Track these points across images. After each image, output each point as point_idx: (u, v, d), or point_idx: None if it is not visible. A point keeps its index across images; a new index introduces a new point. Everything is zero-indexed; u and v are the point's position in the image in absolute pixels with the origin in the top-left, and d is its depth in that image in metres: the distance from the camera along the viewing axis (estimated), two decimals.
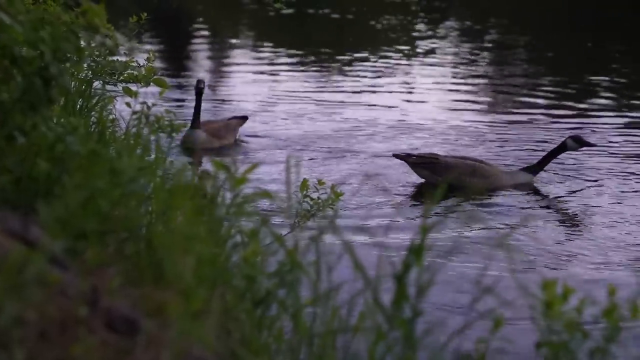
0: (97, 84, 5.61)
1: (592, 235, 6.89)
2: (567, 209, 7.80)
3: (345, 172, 8.58)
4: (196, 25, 21.58)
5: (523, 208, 7.69)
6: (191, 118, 9.55)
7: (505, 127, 10.83)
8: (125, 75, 5.90)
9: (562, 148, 8.48)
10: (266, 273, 2.59)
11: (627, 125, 10.82)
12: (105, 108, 5.02)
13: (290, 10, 21.96)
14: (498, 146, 9.86)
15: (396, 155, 8.45)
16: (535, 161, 8.56)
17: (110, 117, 5.18)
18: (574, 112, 11.70)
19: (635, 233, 6.99)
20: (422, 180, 8.36)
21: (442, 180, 8.02)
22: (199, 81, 9.87)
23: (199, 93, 9.66)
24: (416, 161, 8.31)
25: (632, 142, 9.97)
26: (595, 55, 17.15)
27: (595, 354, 1.92)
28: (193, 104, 9.74)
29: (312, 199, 5.07)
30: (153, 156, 3.51)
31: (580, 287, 4.91)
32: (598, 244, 6.68)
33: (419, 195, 7.86)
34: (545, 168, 8.46)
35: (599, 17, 22.66)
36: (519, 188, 8.27)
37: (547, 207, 7.87)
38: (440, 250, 6.24)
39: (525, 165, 8.56)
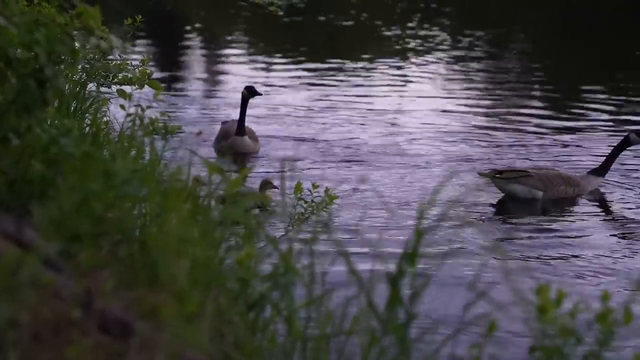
0: (91, 86, 5.61)
1: (587, 242, 6.90)
2: (566, 216, 7.80)
3: (341, 176, 8.58)
4: (191, 28, 21.57)
5: (522, 215, 7.69)
6: (234, 124, 9.48)
7: (510, 131, 10.86)
8: (119, 77, 5.91)
9: (625, 144, 8.25)
10: (260, 276, 2.59)
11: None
12: (99, 110, 5.01)
13: (285, 16, 21.98)
14: (503, 150, 9.86)
15: (481, 174, 8.04)
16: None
17: (105, 119, 5.17)
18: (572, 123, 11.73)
19: (628, 239, 7.00)
20: (507, 194, 8.08)
21: (550, 194, 7.91)
22: (248, 88, 9.76)
23: (245, 99, 9.58)
24: (509, 176, 7.90)
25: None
26: (589, 59, 17.19)
27: (588, 359, 1.93)
28: (187, 106, 9.72)
29: (306, 202, 5.08)
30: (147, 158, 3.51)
31: (575, 292, 4.93)
32: (595, 248, 6.70)
33: (413, 199, 7.86)
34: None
35: (595, 19, 22.73)
36: (590, 193, 8.20)
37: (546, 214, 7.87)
38: (434, 254, 6.28)
39: (592, 169, 8.35)
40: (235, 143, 9.42)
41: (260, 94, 9.97)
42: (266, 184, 7.33)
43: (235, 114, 10.48)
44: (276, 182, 7.41)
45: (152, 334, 1.83)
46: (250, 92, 9.71)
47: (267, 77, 14.93)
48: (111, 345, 1.78)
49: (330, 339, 2.35)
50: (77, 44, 3.17)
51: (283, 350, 2.43)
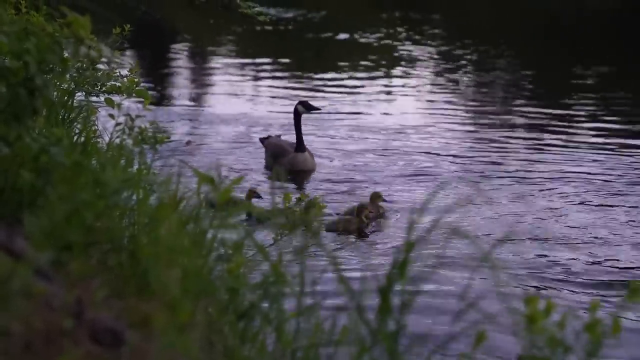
0: (79, 94, 5.60)
1: (576, 251, 6.92)
2: (552, 225, 7.82)
3: (330, 186, 8.59)
4: (180, 37, 21.56)
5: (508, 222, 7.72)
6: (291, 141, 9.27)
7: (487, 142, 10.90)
8: (107, 86, 5.89)
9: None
10: (250, 285, 2.59)
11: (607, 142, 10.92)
12: (88, 119, 5.00)
13: (273, 26, 21.99)
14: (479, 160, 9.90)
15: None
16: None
17: (93, 128, 5.16)
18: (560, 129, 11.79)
19: (621, 250, 7.03)
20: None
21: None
22: (303, 103, 9.48)
23: (298, 114, 9.27)
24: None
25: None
26: (575, 68, 17.29)
27: None
28: (176, 115, 9.69)
29: (295, 211, 5.09)
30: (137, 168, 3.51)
31: (564, 302, 4.95)
32: (583, 259, 6.72)
33: (404, 208, 7.87)
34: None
35: (581, 28, 22.87)
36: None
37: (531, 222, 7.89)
38: (424, 264, 6.26)
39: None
40: (296, 160, 8.99)
41: (318, 109, 9.57)
42: (251, 193, 7.36)
43: (219, 123, 10.48)
44: (266, 190, 7.43)
45: (143, 343, 1.83)
46: (305, 107, 9.33)
47: (256, 86, 14.94)
48: (102, 354, 1.78)
49: (320, 349, 2.35)
50: (66, 53, 3.17)
51: (273, 359, 2.43)
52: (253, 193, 7.38)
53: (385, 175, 9.10)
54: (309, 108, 9.36)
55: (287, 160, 9.00)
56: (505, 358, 3.97)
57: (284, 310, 2.43)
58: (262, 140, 9.68)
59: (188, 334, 1.83)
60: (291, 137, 10.37)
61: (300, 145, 9.12)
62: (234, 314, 2.59)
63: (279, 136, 9.80)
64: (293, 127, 9.41)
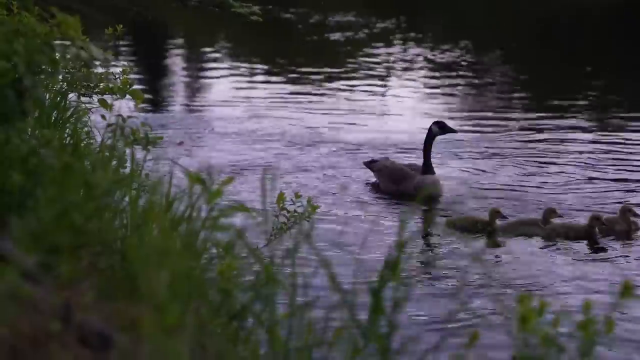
0: (72, 95, 5.57)
1: (568, 250, 6.92)
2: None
3: (322, 185, 8.57)
4: (172, 38, 21.53)
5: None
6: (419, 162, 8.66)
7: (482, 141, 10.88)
8: (100, 87, 5.87)
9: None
10: (242, 287, 2.58)
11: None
12: (80, 120, 4.98)
13: (267, 26, 21.97)
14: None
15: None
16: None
17: (85, 129, 5.14)
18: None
19: (610, 252, 7.02)
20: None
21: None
22: (439, 123, 8.79)
23: (433, 135, 8.64)
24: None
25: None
26: (567, 71, 17.29)
27: None
28: (169, 116, 9.65)
29: (288, 211, 5.06)
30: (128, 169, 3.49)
31: (557, 301, 4.93)
32: (575, 258, 6.72)
33: (395, 208, 7.85)
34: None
35: (574, 30, 22.87)
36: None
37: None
38: (416, 264, 6.26)
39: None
40: (426, 182, 8.35)
41: (455, 131, 8.84)
42: (495, 214, 7.27)
43: (214, 125, 10.43)
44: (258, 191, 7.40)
45: (132, 347, 1.81)
46: (440, 129, 8.67)
47: (249, 87, 14.92)
48: (90, 358, 1.76)
49: (313, 350, 2.34)
50: (57, 54, 3.14)
51: None
52: (497, 213, 7.27)
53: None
54: (445, 130, 8.70)
55: (417, 184, 8.37)
56: (498, 358, 3.95)
57: (276, 312, 2.41)
58: (369, 164, 8.96)
59: (177, 337, 1.81)
60: (280, 139, 10.36)
61: (429, 168, 8.52)
62: (227, 316, 2.57)
63: (386, 158, 9.12)
64: (286, 130, 9.35)
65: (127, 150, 3.64)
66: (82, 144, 4.39)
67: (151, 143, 3.86)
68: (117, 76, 5.92)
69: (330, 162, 9.59)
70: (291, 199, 5.12)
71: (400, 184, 8.47)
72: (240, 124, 11.44)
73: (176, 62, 18.67)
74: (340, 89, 14.57)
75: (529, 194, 8.48)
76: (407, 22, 24.72)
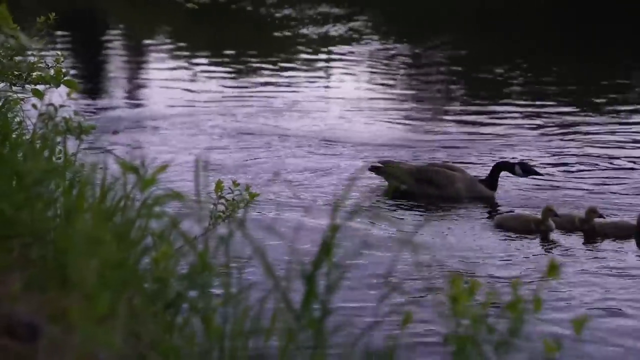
0: (2, 85, 5.46)
1: (496, 231, 7.05)
2: (473, 209, 7.93)
3: (260, 174, 8.57)
4: (109, 25, 21.24)
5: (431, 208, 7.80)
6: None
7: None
8: (33, 76, 5.76)
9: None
10: (177, 275, 2.56)
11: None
12: (11, 110, 4.89)
13: (203, 11, 21.80)
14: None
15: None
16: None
17: (17, 119, 5.04)
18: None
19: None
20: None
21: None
22: (522, 166, 8.32)
23: (511, 172, 8.28)
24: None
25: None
26: (514, 55, 17.51)
27: (499, 347, 1.96)
28: (104, 105, 9.50)
29: (227, 200, 5.04)
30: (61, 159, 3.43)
31: (488, 283, 5.02)
32: (506, 241, 6.84)
33: (330, 195, 7.88)
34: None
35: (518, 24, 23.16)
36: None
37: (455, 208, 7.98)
38: (349, 248, 6.25)
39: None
40: (484, 194, 8.21)
41: (540, 174, 8.39)
42: (592, 214, 7.21)
43: (154, 114, 10.32)
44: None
45: (62, 337, 1.79)
46: (524, 171, 8.25)
47: (188, 78, 14.79)
48: (18, 349, 1.73)
49: (249, 337, 2.34)
50: None
51: (201, 349, 2.40)
52: (593, 213, 7.17)
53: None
54: (529, 172, 8.30)
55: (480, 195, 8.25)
56: (431, 339, 4.01)
57: (211, 299, 2.40)
58: (376, 169, 8.60)
59: (108, 326, 1.79)
60: (218, 127, 10.33)
61: (493, 185, 8.30)
62: (161, 305, 2.55)
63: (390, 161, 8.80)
64: (226, 118, 9.29)
65: (60, 140, 3.59)
66: (14, 134, 4.30)
67: (84, 132, 3.80)
68: (50, 65, 5.81)
69: (270, 154, 9.58)
70: (229, 187, 5.10)
71: (444, 189, 8.19)
72: (178, 114, 11.35)
73: (115, 52, 18.42)
74: (280, 83, 14.53)
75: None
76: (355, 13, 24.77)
